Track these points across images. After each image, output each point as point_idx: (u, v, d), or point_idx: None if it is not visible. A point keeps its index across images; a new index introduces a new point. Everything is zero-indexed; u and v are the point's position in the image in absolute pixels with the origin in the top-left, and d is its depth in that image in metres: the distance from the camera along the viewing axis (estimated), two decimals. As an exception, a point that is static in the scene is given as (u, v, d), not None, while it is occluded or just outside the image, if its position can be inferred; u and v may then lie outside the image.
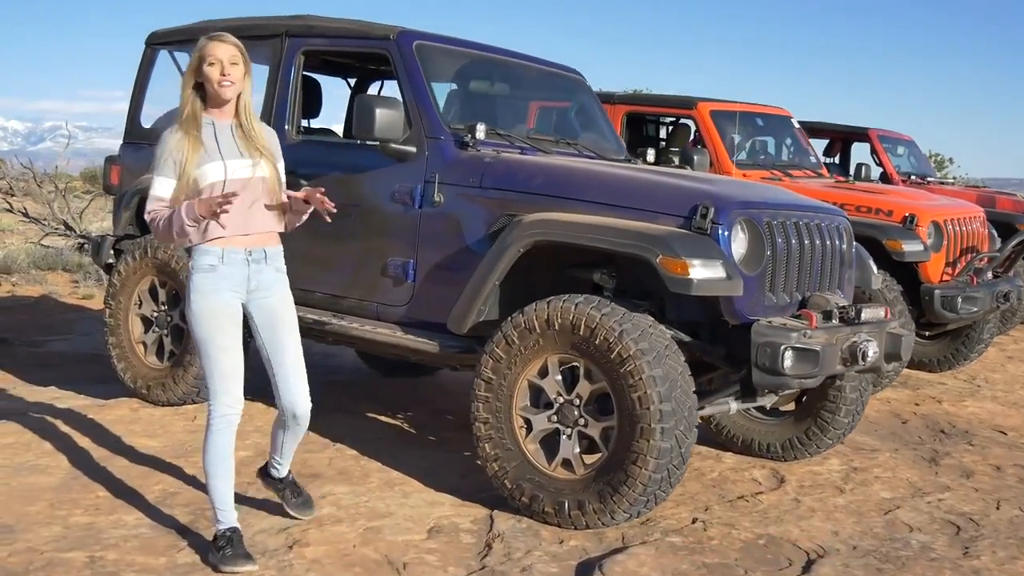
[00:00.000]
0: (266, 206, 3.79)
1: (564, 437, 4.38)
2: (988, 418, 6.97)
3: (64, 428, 5.35)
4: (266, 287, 3.83)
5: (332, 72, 6.84)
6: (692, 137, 9.43)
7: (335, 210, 3.78)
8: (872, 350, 4.51)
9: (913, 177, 11.40)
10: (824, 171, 9.07)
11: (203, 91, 3.73)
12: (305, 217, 3.89)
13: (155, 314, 5.91)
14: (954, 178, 13.63)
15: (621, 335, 4.13)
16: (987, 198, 10.35)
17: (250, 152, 3.75)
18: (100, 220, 15.67)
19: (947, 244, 7.42)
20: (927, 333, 8.07)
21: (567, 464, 4.38)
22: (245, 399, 3.84)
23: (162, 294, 5.87)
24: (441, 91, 5.59)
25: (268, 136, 3.87)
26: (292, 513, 4.25)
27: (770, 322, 4.33)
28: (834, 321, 4.50)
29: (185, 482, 4.66)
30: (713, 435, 5.66)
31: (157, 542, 3.97)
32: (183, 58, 6.28)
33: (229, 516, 3.82)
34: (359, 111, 4.86)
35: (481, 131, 4.95)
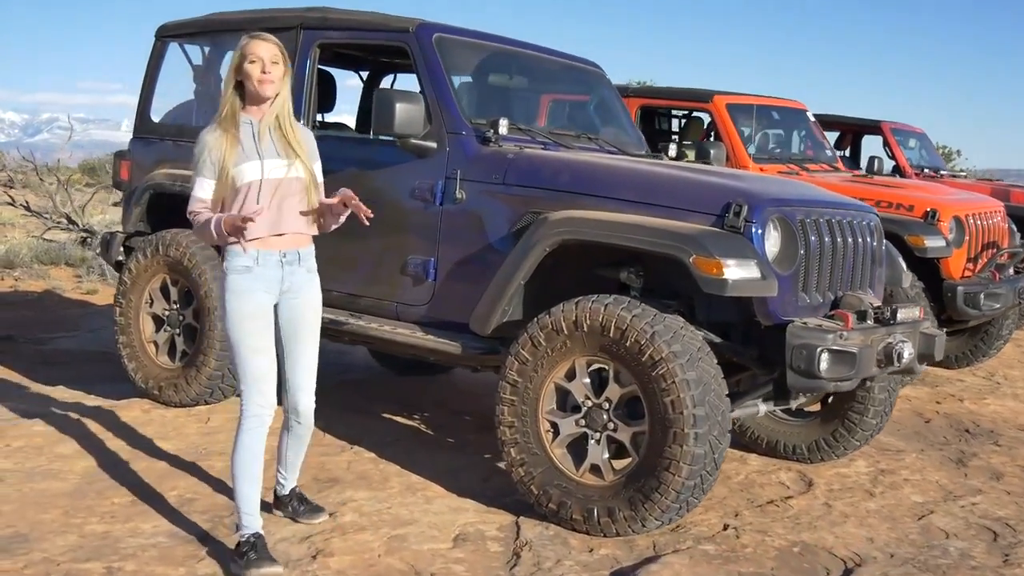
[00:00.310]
0: (299, 207, 3.75)
1: (592, 442, 4.26)
2: (1012, 417, 6.86)
3: (75, 431, 5.23)
4: (297, 288, 3.82)
5: (344, 65, 6.71)
6: (704, 130, 9.32)
7: (371, 215, 3.68)
8: (908, 351, 4.40)
9: (926, 170, 11.27)
10: (840, 165, 8.94)
11: (242, 90, 3.72)
12: (343, 219, 3.82)
13: (167, 313, 5.78)
14: (965, 171, 13.49)
15: (653, 337, 4.01)
16: (1002, 191, 10.22)
17: (286, 152, 3.72)
18: (101, 214, 15.51)
19: (969, 240, 7.30)
20: (946, 330, 7.93)
21: (595, 470, 4.26)
22: None
23: (174, 292, 5.74)
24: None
25: (305, 137, 3.84)
26: (304, 522, 4.15)
27: (805, 323, 4.21)
28: (869, 322, 4.38)
29: (201, 487, 4.54)
30: (737, 436, 5.53)
31: (176, 551, 3.85)
32: (194, 51, 6.17)
33: (254, 521, 3.75)
34: (378, 105, 4.73)
35: (504, 126, 4.83)
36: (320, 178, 3.84)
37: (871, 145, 12.65)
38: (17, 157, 18.76)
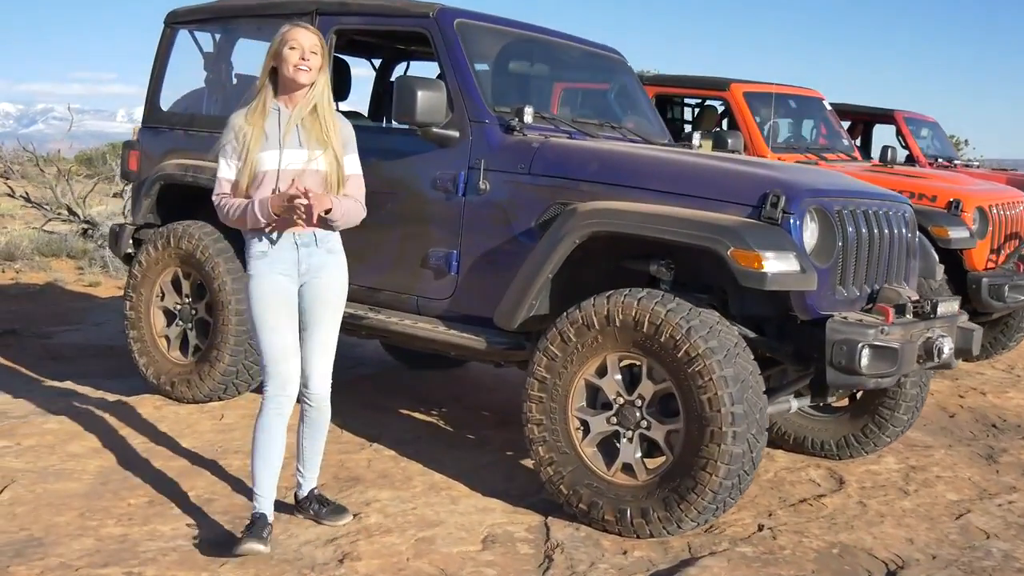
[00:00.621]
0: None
1: (624, 440, 4.13)
2: (1037, 411, 6.74)
3: (87, 428, 5.09)
4: (316, 268, 3.80)
5: (356, 52, 6.55)
6: (717, 119, 9.17)
7: (310, 210, 3.60)
8: (948, 347, 4.27)
9: (940, 160, 11.13)
10: (857, 154, 8.80)
11: (276, 77, 3.72)
12: (338, 221, 3.79)
13: (178, 307, 5.63)
14: (977, 161, 13.36)
15: (689, 332, 3.88)
16: (1018, 181, 10.08)
17: (310, 144, 3.71)
18: (99, 204, 15.30)
19: (992, 230, 7.17)
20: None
21: (628, 469, 4.13)
22: None
23: (186, 286, 5.59)
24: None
25: (342, 129, 3.82)
26: (328, 523, 4.02)
27: (845, 318, 4.08)
28: (908, 316, 4.25)
29: (219, 486, 4.41)
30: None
31: (197, 556, 3.72)
32: (204, 38, 6.01)
33: (263, 502, 3.79)
34: (400, 93, 4.57)
35: (529, 114, 4.69)
36: (353, 170, 3.84)
37: (880, 135, 12.50)
38: (12, 148, 18.58)
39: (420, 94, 4.53)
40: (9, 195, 13.10)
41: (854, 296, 4.30)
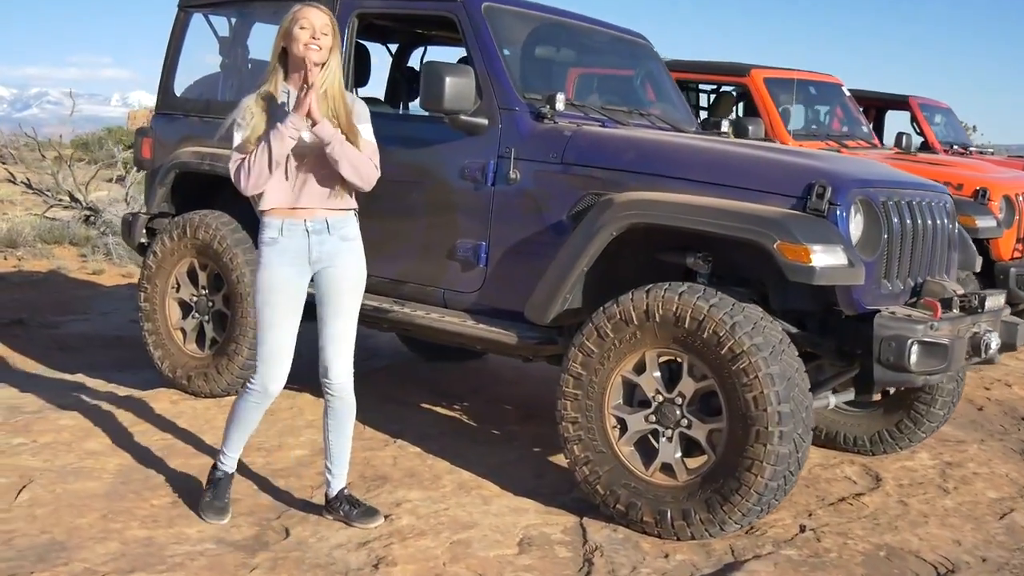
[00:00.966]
0: (324, 181, 3.70)
1: (664, 439, 4.00)
2: (1065, 403, 6.62)
3: (103, 424, 4.95)
4: (330, 257, 3.74)
5: (372, 37, 6.38)
6: (733, 105, 9.02)
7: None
8: (995, 342, 4.16)
9: (955, 147, 10.98)
10: (876, 141, 8.66)
11: (287, 59, 3.66)
12: (331, 151, 3.62)
13: (194, 299, 5.48)
14: (991, 147, 13.20)
15: (733, 328, 3.74)
16: (1037, 168, 9.95)
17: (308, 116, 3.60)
18: (100, 190, 15.11)
19: (1018, 219, 7.05)
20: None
21: (667, 469, 4.00)
22: (294, 390, 3.60)
23: (202, 277, 5.44)
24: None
25: (357, 111, 3.75)
26: (358, 525, 3.89)
27: (893, 313, 3.95)
28: (955, 310, 4.12)
29: (243, 485, 4.26)
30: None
31: (225, 559, 3.59)
32: (219, 22, 5.85)
33: (227, 461, 3.97)
34: (427, 80, 4.42)
35: (560, 101, 4.53)
36: (367, 138, 3.77)
37: (892, 121, 12.34)
38: (8, 132, 18.37)
39: (449, 80, 4.38)
40: (10, 181, 12.95)
41: (898, 290, 4.17)
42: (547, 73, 5.37)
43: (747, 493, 3.74)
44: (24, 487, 4.12)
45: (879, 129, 12.20)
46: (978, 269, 5.14)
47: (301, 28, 3.58)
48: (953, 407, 5.10)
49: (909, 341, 3.82)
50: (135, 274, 10.27)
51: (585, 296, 4.32)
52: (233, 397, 5.33)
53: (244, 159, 3.59)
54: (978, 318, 4.16)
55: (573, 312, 4.33)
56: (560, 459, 4.80)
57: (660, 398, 3.99)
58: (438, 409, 5.67)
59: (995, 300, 4.26)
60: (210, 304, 5.42)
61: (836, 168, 4.12)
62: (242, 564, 3.56)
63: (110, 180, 16.22)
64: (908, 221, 4.21)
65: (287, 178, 3.64)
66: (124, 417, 5.07)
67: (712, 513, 3.82)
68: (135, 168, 10.51)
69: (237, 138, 3.64)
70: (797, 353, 3.90)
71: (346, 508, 3.93)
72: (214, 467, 4.00)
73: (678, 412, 3.95)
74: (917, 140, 10.77)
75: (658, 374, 4.00)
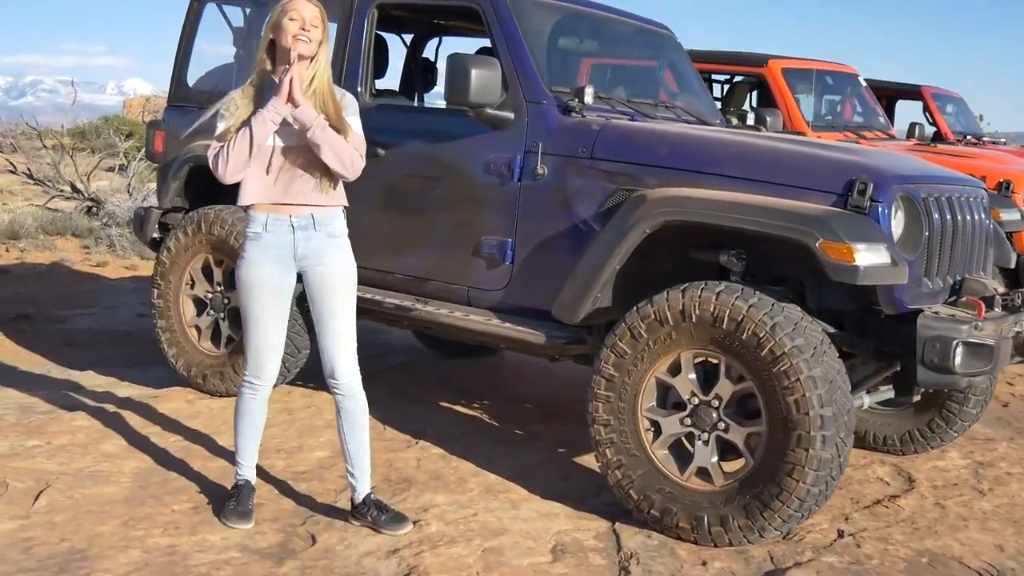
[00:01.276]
0: (310, 176, 3.60)
1: (699, 443, 3.88)
2: (1090, 399, 6.53)
3: (118, 424, 4.85)
4: (317, 254, 3.66)
5: (386, 27, 6.25)
6: (746, 96, 8.90)
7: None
8: (1038, 341, 4.04)
9: (968, 137, 10.86)
10: (893, 132, 8.55)
11: (275, 51, 3.59)
12: (312, 137, 3.50)
13: (209, 295, 5.36)
14: (1004, 137, 13.07)
15: (774, 329, 3.63)
16: (1053, 159, 9.83)
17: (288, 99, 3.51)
18: (100, 180, 14.97)
19: (1043, 212, 6.92)
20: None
21: (703, 473, 3.89)
22: (311, 388, 3.47)
23: (217, 274, 5.32)
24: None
25: (346, 104, 3.65)
26: (387, 532, 3.78)
27: (937, 313, 3.83)
28: (997, 309, 4.01)
29: (264, 490, 4.15)
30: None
31: (252, 568, 3.48)
32: (234, 12, 5.72)
33: (245, 470, 3.92)
34: (452, 72, 4.29)
35: (589, 94, 4.41)
36: (354, 130, 3.63)
37: (902, 111, 12.21)
38: (4, 121, 18.19)
39: (474, 73, 4.25)
40: (11, 171, 12.80)
41: (938, 288, 4.06)
42: (574, 65, 5.24)
43: (788, 499, 3.64)
44: (41, 492, 4.00)
45: (889, 119, 12.07)
46: (1013, 265, 5.02)
47: (290, 20, 3.50)
48: (986, 406, 5.00)
49: (954, 342, 3.70)
50: (139, 266, 10.16)
51: (615, 294, 4.20)
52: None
53: (223, 146, 3.53)
54: (1019, 316, 4.05)
55: (602, 311, 4.22)
56: (586, 460, 4.70)
57: (696, 400, 3.88)
58: (458, 408, 5.56)
59: (1036, 297, 4.15)
60: (226, 301, 5.30)
61: (877, 163, 4.00)
62: (269, 574, 3.45)
63: (111, 169, 16.10)
64: (948, 217, 4.09)
65: (268, 172, 3.56)
66: (139, 417, 4.96)
67: (751, 519, 3.71)
68: (136, 160, 10.37)
69: (220, 127, 3.56)
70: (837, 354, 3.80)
71: (374, 514, 3.82)
72: (233, 484, 3.95)
73: (715, 415, 3.84)
74: (930, 130, 10.67)
75: (694, 376, 3.89)
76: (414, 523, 3.86)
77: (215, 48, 5.73)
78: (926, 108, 10.95)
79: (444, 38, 6.47)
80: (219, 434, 4.78)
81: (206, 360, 5.34)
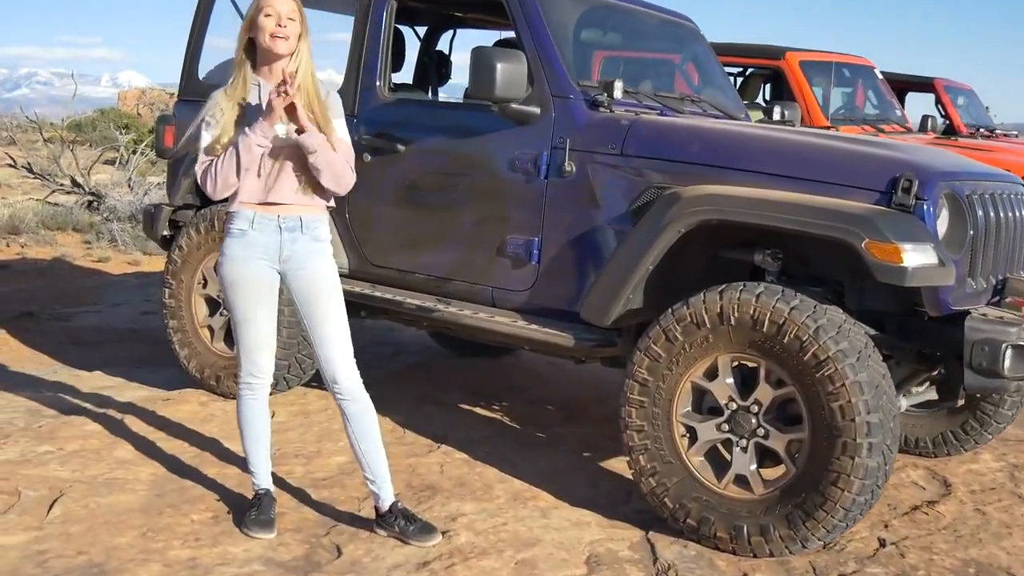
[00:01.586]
0: (298, 177, 3.53)
1: (738, 449, 3.75)
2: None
3: (130, 428, 4.71)
4: (301, 258, 3.58)
5: (399, 19, 6.09)
6: (760, 89, 8.77)
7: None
8: (1086, 344, 3.90)
9: (981, 129, 10.73)
10: (910, 125, 8.42)
11: (255, 50, 3.51)
12: (315, 161, 3.44)
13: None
14: (1015, 129, 12.96)
15: (817, 333, 3.50)
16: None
17: (291, 119, 3.44)
18: (99, 173, 14.79)
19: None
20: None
21: (741, 481, 3.76)
22: (324, 390, 3.72)
23: (230, 273, 5.17)
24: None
25: (331, 104, 3.56)
26: (415, 543, 3.64)
27: (984, 315, 3.70)
28: (1043, 310, 3.88)
29: (284, 498, 4.01)
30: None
31: (277, 583, 3.35)
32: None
33: (260, 478, 3.83)
34: (477, 67, 4.15)
35: (619, 89, 4.27)
36: (341, 135, 3.55)
37: (912, 103, 12.08)
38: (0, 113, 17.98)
39: (500, 67, 4.11)
40: (10, 165, 12.64)
41: (982, 288, 3.93)
42: (592, 58, 5.10)
43: (833, 508, 3.50)
44: (55, 501, 3.86)
45: (900, 111, 11.95)
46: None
47: (266, 16, 3.41)
48: (1020, 407, 4.87)
49: (1004, 345, 3.58)
50: (141, 262, 10.02)
51: (646, 295, 4.07)
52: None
53: (212, 162, 3.45)
54: (1065, 318, 3.92)
55: (632, 313, 4.09)
56: (613, 465, 4.58)
57: (734, 406, 3.75)
58: (478, 410, 5.42)
59: (1082, 298, 4.02)
60: (239, 301, 5.15)
61: (921, 160, 3.86)
62: (296, 588, 3.32)
63: (111, 162, 15.93)
64: (992, 215, 3.96)
65: (259, 174, 3.48)
66: (152, 421, 4.82)
67: (793, 529, 3.58)
68: (137, 153, 10.21)
69: (206, 138, 3.47)
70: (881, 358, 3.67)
71: (402, 523, 3.68)
72: (252, 485, 3.87)
73: (754, 421, 3.71)
74: (942, 123, 10.54)
75: (731, 380, 3.76)
76: (443, 533, 3.72)
77: (226, 41, 5.56)
78: (938, 100, 10.82)
79: (458, 30, 6.31)
80: (234, 438, 4.60)
81: (219, 361, 5.21)
